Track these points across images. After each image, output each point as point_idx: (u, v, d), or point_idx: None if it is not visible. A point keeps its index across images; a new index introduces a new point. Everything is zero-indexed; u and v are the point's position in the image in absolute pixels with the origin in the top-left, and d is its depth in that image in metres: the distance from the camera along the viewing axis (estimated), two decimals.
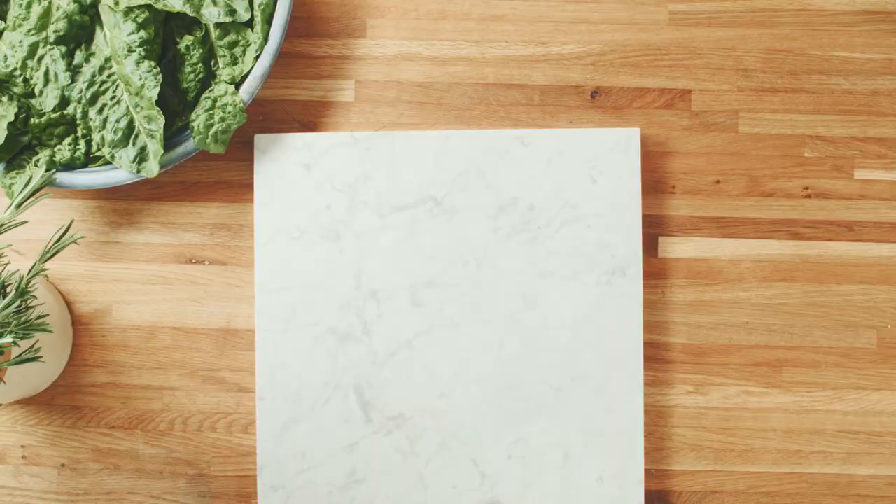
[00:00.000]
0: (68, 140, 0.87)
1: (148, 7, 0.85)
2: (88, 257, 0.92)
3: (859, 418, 0.90)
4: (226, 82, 0.87)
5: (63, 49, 0.86)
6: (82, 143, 0.87)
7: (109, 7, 0.85)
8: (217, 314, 0.92)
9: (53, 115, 0.86)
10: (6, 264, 0.82)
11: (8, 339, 0.76)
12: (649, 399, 0.91)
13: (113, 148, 0.86)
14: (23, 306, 0.81)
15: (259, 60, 0.87)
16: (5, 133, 0.85)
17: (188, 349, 0.92)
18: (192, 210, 0.92)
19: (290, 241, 0.90)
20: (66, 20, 0.85)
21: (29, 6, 0.86)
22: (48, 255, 0.83)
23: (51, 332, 0.82)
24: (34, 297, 0.83)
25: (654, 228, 0.91)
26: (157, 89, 0.84)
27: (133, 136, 0.86)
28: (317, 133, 0.91)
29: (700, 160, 0.91)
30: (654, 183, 0.91)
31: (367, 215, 0.90)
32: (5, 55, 0.86)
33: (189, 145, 0.88)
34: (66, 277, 0.92)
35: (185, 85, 0.88)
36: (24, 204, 0.84)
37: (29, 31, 0.86)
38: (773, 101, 0.91)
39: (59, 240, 0.84)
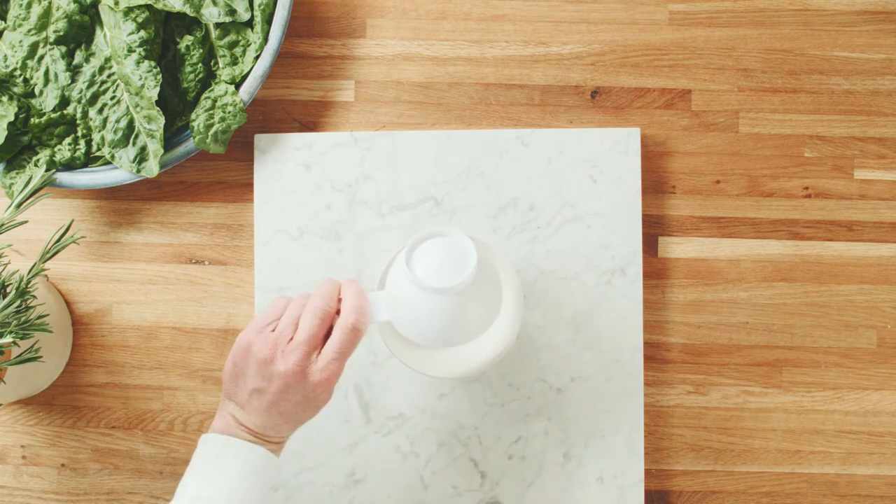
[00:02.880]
0: (68, 140, 0.87)
1: (148, 7, 0.85)
2: (88, 257, 0.92)
3: (859, 418, 0.90)
4: (226, 82, 0.87)
5: (63, 49, 0.86)
6: (82, 143, 0.87)
7: (109, 7, 0.85)
8: (217, 314, 0.91)
9: (53, 115, 0.86)
10: (6, 264, 0.82)
11: (8, 339, 0.76)
12: (649, 399, 0.91)
13: (113, 148, 0.86)
14: (23, 306, 0.81)
15: (259, 60, 0.87)
16: (5, 133, 0.85)
17: (188, 349, 0.92)
18: (192, 210, 0.92)
19: (290, 241, 0.90)
20: (66, 20, 0.85)
21: (29, 6, 0.86)
22: (48, 255, 0.83)
23: (51, 332, 0.82)
24: (34, 297, 0.83)
25: (654, 228, 0.91)
26: (157, 89, 0.84)
27: (133, 136, 0.86)
28: (317, 133, 0.91)
29: (700, 160, 0.91)
30: (654, 183, 0.91)
31: (367, 215, 0.90)
32: (5, 55, 0.86)
33: (189, 145, 0.88)
34: (66, 277, 0.92)
35: (185, 85, 0.88)
36: (24, 204, 0.84)
37: (29, 31, 0.86)
38: (773, 101, 0.91)
39: (59, 240, 0.84)
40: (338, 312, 0.74)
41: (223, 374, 0.75)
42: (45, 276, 0.92)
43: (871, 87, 0.91)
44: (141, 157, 0.86)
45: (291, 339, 0.72)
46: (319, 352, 0.72)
